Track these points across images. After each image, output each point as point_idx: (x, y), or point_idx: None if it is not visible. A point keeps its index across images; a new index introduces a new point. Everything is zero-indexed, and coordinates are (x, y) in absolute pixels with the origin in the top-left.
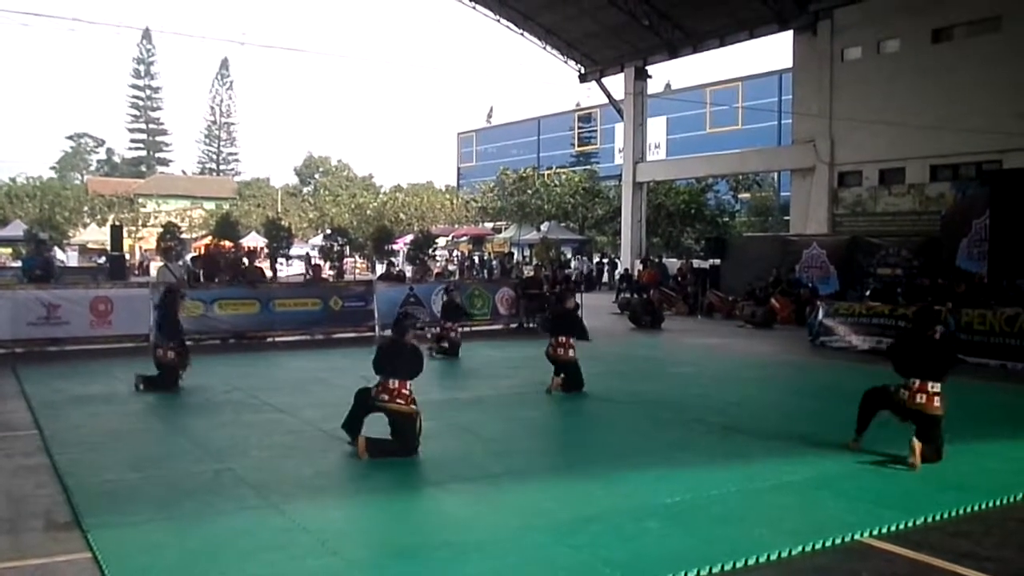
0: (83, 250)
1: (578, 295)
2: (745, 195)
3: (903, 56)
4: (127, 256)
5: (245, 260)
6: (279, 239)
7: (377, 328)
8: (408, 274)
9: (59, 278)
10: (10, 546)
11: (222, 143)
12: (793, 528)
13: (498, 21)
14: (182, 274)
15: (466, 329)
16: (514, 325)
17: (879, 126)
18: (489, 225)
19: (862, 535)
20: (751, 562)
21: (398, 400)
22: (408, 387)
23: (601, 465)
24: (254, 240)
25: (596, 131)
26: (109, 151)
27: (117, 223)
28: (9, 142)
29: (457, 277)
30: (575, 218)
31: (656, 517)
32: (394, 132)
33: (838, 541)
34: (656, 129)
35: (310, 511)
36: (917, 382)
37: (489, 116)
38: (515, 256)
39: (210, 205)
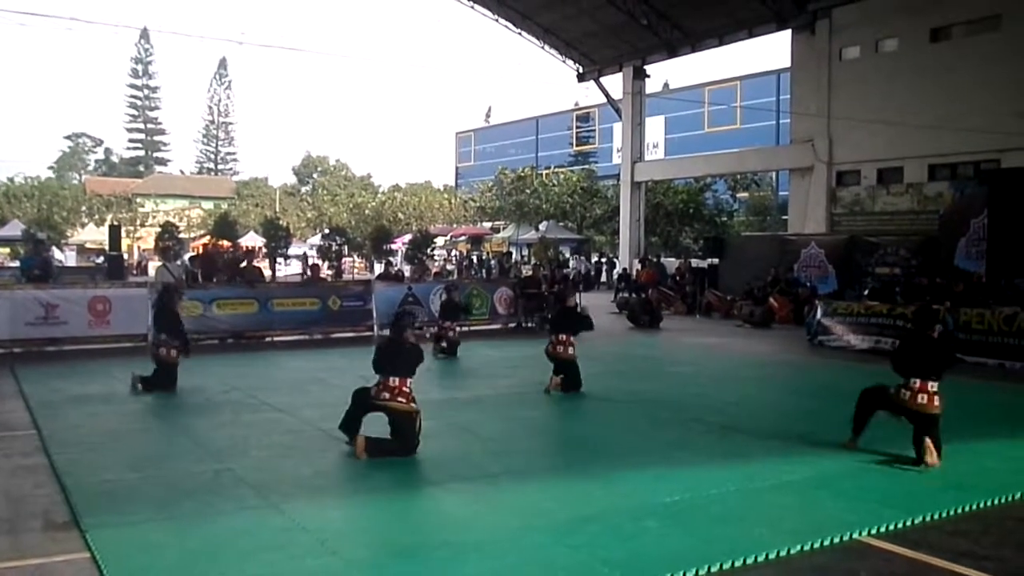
0: (81, 250)
1: (577, 295)
2: (743, 194)
3: (901, 55)
4: (125, 256)
5: (244, 260)
6: (277, 239)
7: (375, 328)
8: (406, 274)
9: (57, 278)
10: (9, 546)
11: (220, 143)
12: (792, 527)
13: (496, 21)
14: (180, 274)
15: (464, 329)
16: (512, 325)
17: (877, 125)
18: (487, 225)
19: (861, 534)
20: (750, 561)
21: (399, 399)
22: (409, 385)
23: (600, 465)
24: (252, 240)
25: (594, 131)
26: (107, 151)
27: (115, 223)
28: (7, 142)
29: (455, 277)
30: (573, 218)
31: (655, 517)
32: (392, 132)
33: (837, 540)
34: (654, 128)
35: (309, 511)
36: (918, 382)
37: (487, 116)
38: (513, 256)
39: (208, 205)
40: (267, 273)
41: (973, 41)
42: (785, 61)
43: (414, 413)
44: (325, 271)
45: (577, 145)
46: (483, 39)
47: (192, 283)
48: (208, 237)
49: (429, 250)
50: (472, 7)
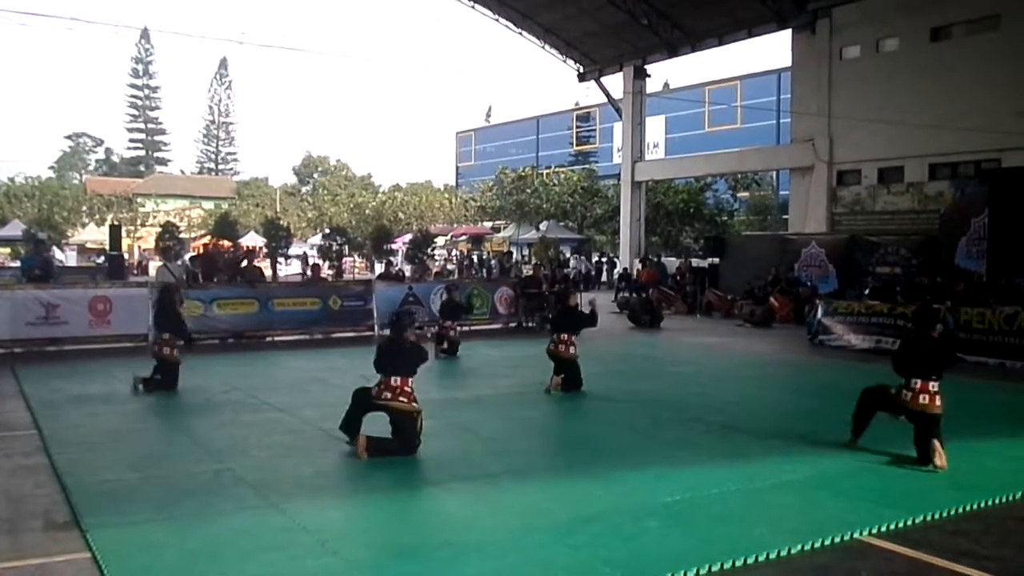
0: (82, 250)
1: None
2: (744, 194)
3: (902, 55)
4: (126, 256)
5: (244, 260)
6: (278, 239)
7: (376, 327)
8: (407, 273)
9: (58, 278)
10: (9, 546)
11: (221, 143)
12: (793, 527)
13: (497, 20)
14: (181, 274)
15: (465, 328)
16: (513, 324)
17: (878, 125)
18: (488, 224)
19: (862, 534)
20: (751, 561)
21: (401, 398)
22: (410, 385)
23: (600, 464)
24: (253, 240)
25: (595, 130)
26: (108, 151)
27: (116, 223)
28: (8, 142)
29: (456, 276)
30: (574, 217)
31: (655, 516)
32: (393, 131)
33: (838, 540)
34: (655, 128)
35: (310, 511)
36: (919, 382)
37: (488, 115)
38: (514, 255)
39: (209, 205)
40: (268, 273)
41: (973, 41)
42: (785, 61)
43: (415, 413)
44: (326, 271)
45: (577, 145)
46: (483, 39)
47: (193, 283)
48: (209, 237)
49: (429, 250)
50: (472, 7)
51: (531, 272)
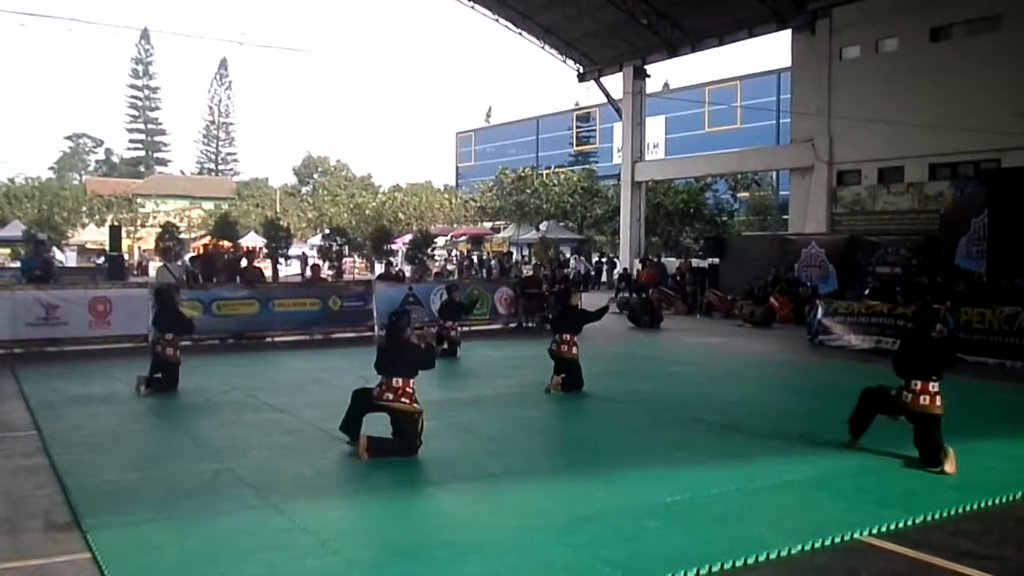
0: (82, 250)
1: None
2: (744, 194)
3: (901, 55)
4: (126, 256)
5: (244, 260)
6: (278, 239)
7: (376, 328)
8: (407, 274)
9: (58, 278)
10: (9, 547)
11: (221, 143)
12: (793, 527)
13: (496, 20)
14: (181, 274)
15: (465, 329)
16: (513, 325)
17: (878, 125)
18: (488, 225)
19: (862, 534)
20: (751, 561)
21: (402, 399)
22: (412, 385)
23: (600, 464)
24: (253, 240)
25: (595, 130)
26: (108, 151)
27: (116, 223)
28: (7, 142)
29: (456, 277)
30: (574, 217)
31: (655, 516)
32: (393, 132)
33: (838, 540)
34: (655, 128)
35: (310, 511)
36: (919, 383)
37: (488, 116)
38: (514, 256)
39: (209, 205)
40: (269, 274)
41: (973, 41)
42: (785, 61)
43: (416, 414)
44: (326, 271)
45: (577, 145)
46: (483, 39)
47: (193, 283)
48: (209, 237)
49: (429, 250)
50: (472, 7)
51: (531, 272)
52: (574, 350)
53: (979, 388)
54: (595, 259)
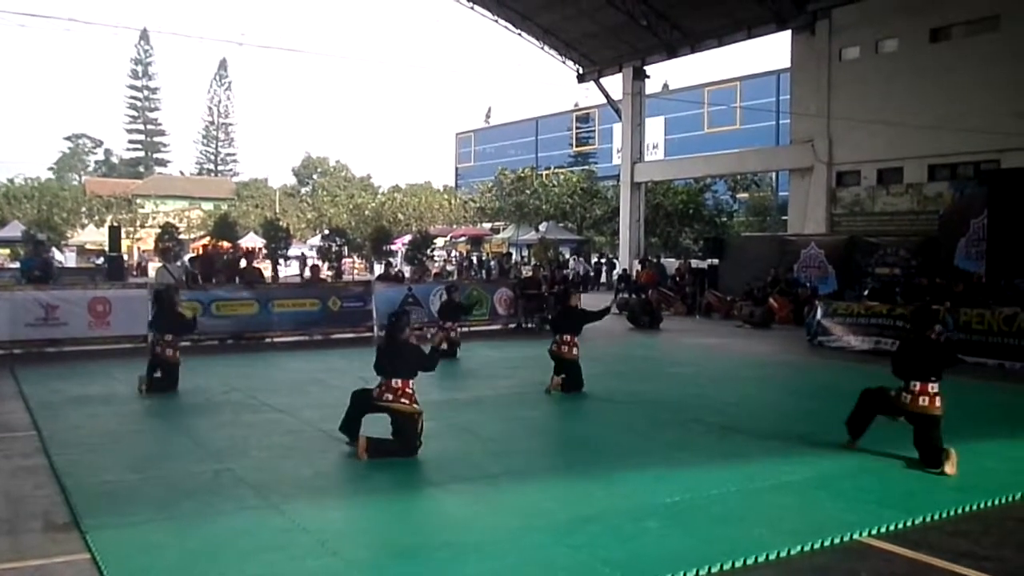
0: (81, 251)
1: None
2: (743, 195)
3: (901, 56)
4: (125, 257)
5: (243, 261)
6: (277, 240)
7: (375, 329)
8: (407, 274)
9: (57, 279)
10: (9, 547)
11: (220, 144)
12: (792, 528)
13: (496, 21)
14: (180, 275)
15: (464, 329)
16: (512, 325)
17: (877, 126)
18: (487, 225)
19: (861, 535)
20: (750, 562)
21: (402, 400)
22: (411, 386)
23: (600, 465)
24: (252, 241)
25: (594, 131)
26: (107, 152)
27: (115, 224)
28: (7, 143)
29: (455, 277)
30: (573, 218)
31: (655, 517)
32: (392, 132)
33: (837, 541)
34: (654, 129)
35: (310, 511)
36: (918, 384)
37: (487, 116)
38: (513, 256)
39: (208, 206)
40: (268, 274)
41: (973, 41)
42: (785, 61)
43: (416, 415)
44: (325, 272)
45: (577, 146)
46: (483, 39)
47: (192, 284)
48: (208, 238)
49: (429, 251)
50: (472, 8)
51: (530, 273)
52: (574, 351)
53: (978, 389)
54: (594, 260)
